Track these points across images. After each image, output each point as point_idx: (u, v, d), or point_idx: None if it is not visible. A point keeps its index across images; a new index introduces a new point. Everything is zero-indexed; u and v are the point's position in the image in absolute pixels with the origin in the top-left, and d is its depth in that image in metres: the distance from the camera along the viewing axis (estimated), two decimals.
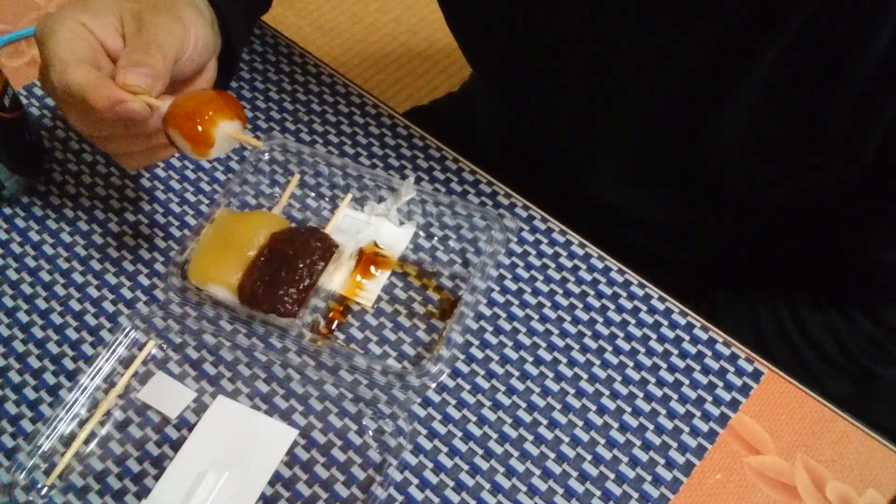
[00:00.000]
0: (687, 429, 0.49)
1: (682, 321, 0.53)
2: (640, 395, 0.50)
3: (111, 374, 0.51)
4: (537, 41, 0.58)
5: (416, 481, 0.48)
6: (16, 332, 0.54)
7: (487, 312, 0.54)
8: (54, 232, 0.58)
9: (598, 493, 0.47)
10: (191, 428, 0.49)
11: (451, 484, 0.48)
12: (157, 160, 0.53)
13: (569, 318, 0.53)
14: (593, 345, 0.52)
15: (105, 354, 0.51)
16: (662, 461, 0.48)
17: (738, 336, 0.53)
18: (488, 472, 0.48)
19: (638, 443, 0.49)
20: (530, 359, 0.52)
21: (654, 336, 0.53)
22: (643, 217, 0.66)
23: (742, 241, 0.66)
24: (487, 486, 0.47)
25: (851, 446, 0.49)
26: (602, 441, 0.49)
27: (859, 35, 0.44)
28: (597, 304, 0.54)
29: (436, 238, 0.58)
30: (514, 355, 0.52)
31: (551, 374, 0.51)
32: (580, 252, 0.56)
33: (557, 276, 0.55)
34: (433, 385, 0.51)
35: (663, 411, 0.50)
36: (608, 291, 0.55)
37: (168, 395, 0.51)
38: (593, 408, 0.50)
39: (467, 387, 0.51)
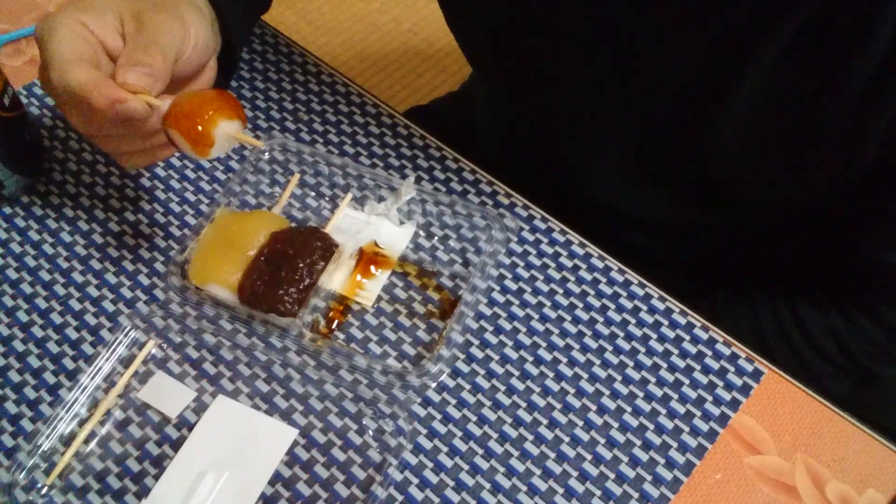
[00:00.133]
0: (687, 429, 0.49)
1: (682, 321, 0.53)
2: (641, 394, 0.50)
3: (111, 374, 0.51)
4: (537, 41, 0.58)
5: (416, 481, 0.48)
6: (16, 332, 0.54)
7: (487, 312, 0.54)
8: (54, 232, 0.58)
9: (598, 492, 0.47)
10: (191, 428, 0.49)
11: (451, 484, 0.48)
12: (156, 160, 0.53)
13: (569, 318, 0.53)
14: (593, 344, 0.52)
15: (105, 354, 0.51)
16: (662, 461, 0.48)
17: (738, 336, 0.53)
18: (488, 471, 0.48)
19: (638, 442, 0.49)
20: (530, 358, 0.52)
21: (654, 336, 0.53)
22: (643, 217, 0.66)
23: (742, 240, 0.66)
24: (487, 485, 0.47)
25: (851, 446, 0.49)
26: (602, 441, 0.49)
27: (859, 34, 0.44)
28: (597, 303, 0.54)
29: (436, 238, 0.58)
30: (514, 355, 0.52)
31: (551, 374, 0.51)
32: (580, 252, 0.56)
33: (557, 276, 0.55)
34: (433, 385, 0.51)
35: (663, 411, 0.50)
36: (608, 291, 0.55)
37: (168, 394, 0.51)
38: (593, 407, 0.50)
39: (467, 386, 0.51)
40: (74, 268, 0.56)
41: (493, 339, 0.53)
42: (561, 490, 0.47)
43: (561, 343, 0.52)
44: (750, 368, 0.51)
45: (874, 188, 0.51)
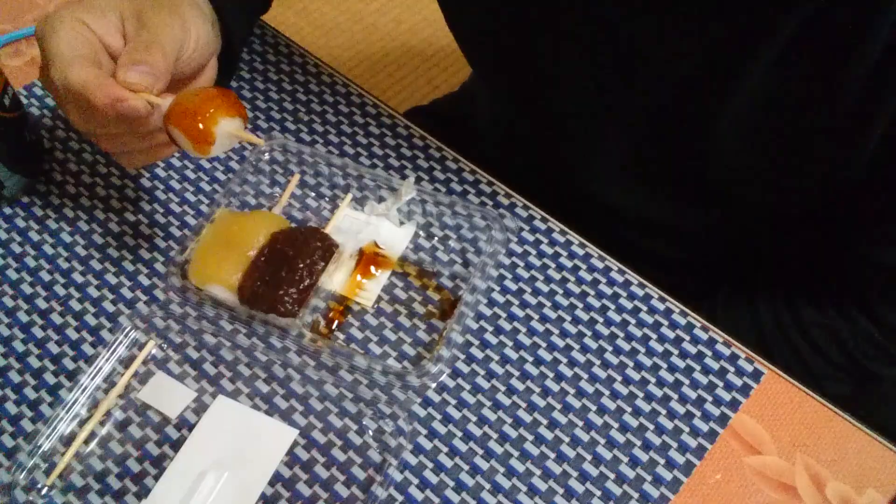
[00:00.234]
0: (687, 429, 0.49)
1: (682, 321, 0.53)
2: (641, 395, 0.50)
3: (111, 374, 0.51)
4: (537, 41, 0.58)
5: (416, 481, 0.48)
6: (16, 332, 0.54)
7: (487, 312, 0.54)
8: (54, 232, 0.58)
9: (598, 493, 0.47)
10: (191, 428, 0.49)
11: (451, 484, 0.48)
12: (157, 159, 0.53)
13: (569, 318, 0.53)
14: (593, 345, 0.52)
15: (105, 354, 0.51)
16: (662, 461, 0.48)
17: (738, 336, 0.53)
18: (488, 472, 0.48)
19: (638, 443, 0.49)
20: (530, 359, 0.52)
21: (654, 336, 0.53)
22: (643, 217, 0.66)
23: (742, 240, 0.66)
24: (487, 486, 0.47)
25: (851, 446, 0.49)
26: (602, 441, 0.49)
27: (858, 35, 0.44)
28: (597, 304, 0.54)
29: (436, 238, 0.58)
30: (514, 355, 0.52)
31: (551, 374, 0.51)
32: (580, 252, 0.56)
33: (557, 276, 0.55)
34: (433, 385, 0.51)
35: (663, 411, 0.50)
36: (608, 291, 0.55)
37: (168, 394, 0.51)
38: (593, 408, 0.50)
39: (467, 387, 0.51)
40: (74, 268, 0.56)
41: (493, 340, 0.53)
42: (561, 490, 0.47)
43: (561, 343, 0.52)
44: (750, 369, 0.51)
45: (873, 188, 0.51)
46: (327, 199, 0.60)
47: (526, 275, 0.55)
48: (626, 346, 0.52)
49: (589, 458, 0.48)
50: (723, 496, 0.47)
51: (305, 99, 0.66)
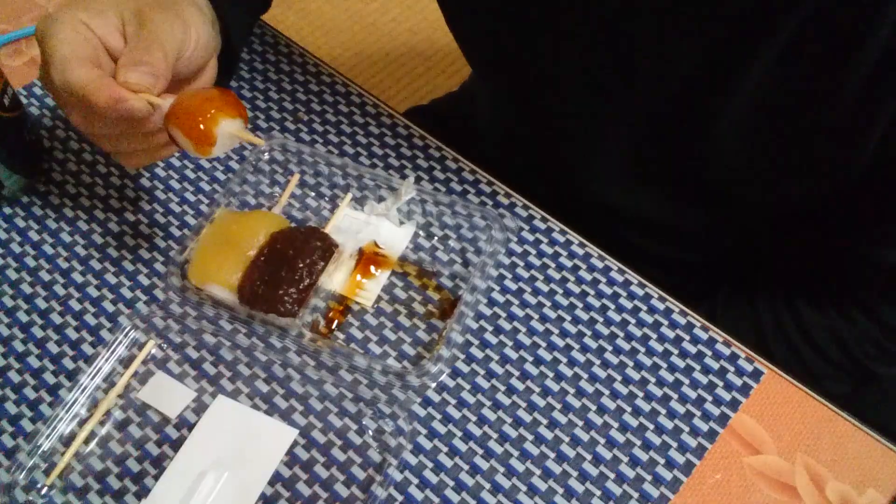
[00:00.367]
0: (687, 429, 0.49)
1: (682, 321, 0.53)
2: (640, 394, 0.50)
3: (111, 374, 0.51)
4: (537, 42, 0.58)
5: (416, 481, 0.48)
6: (16, 332, 0.54)
7: (487, 312, 0.54)
8: (54, 232, 0.58)
9: (598, 492, 0.47)
10: (191, 428, 0.49)
11: (451, 484, 0.48)
12: (157, 159, 0.53)
13: (569, 318, 0.53)
14: (593, 344, 0.52)
15: (105, 354, 0.51)
16: (662, 461, 0.48)
17: (738, 336, 0.53)
18: (488, 471, 0.48)
19: (638, 442, 0.49)
20: (530, 358, 0.52)
21: (654, 336, 0.53)
22: (643, 217, 0.66)
23: (742, 240, 0.66)
24: (487, 485, 0.47)
25: (851, 446, 0.49)
26: (602, 441, 0.49)
27: (858, 34, 0.44)
28: (597, 303, 0.54)
29: (436, 238, 0.58)
30: (514, 355, 0.52)
31: (551, 374, 0.51)
32: (580, 252, 0.56)
33: (557, 276, 0.55)
34: (433, 385, 0.51)
35: (663, 411, 0.50)
36: (608, 291, 0.55)
37: (168, 394, 0.51)
38: (593, 407, 0.50)
39: (467, 386, 0.51)
40: (74, 268, 0.56)
41: (493, 339, 0.53)
42: (561, 490, 0.47)
43: (561, 343, 0.52)
44: (750, 368, 0.51)
45: (873, 188, 0.51)
46: (327, 198, 0.60)
47: (526, 275, 0.55)
48: (626, 346, 0.52)
49: (589, 457, 0.48)
50: (723, 496, 0.47)
51: (305, 98, 0.66)
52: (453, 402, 0.50)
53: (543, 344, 0.52)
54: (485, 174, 0.61)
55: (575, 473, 0.48)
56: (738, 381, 0.51)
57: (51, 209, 0.59)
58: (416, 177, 0.61)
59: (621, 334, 0.53)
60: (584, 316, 0.54)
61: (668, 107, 0.54)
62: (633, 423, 0.49)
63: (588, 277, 0.55)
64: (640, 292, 0.55)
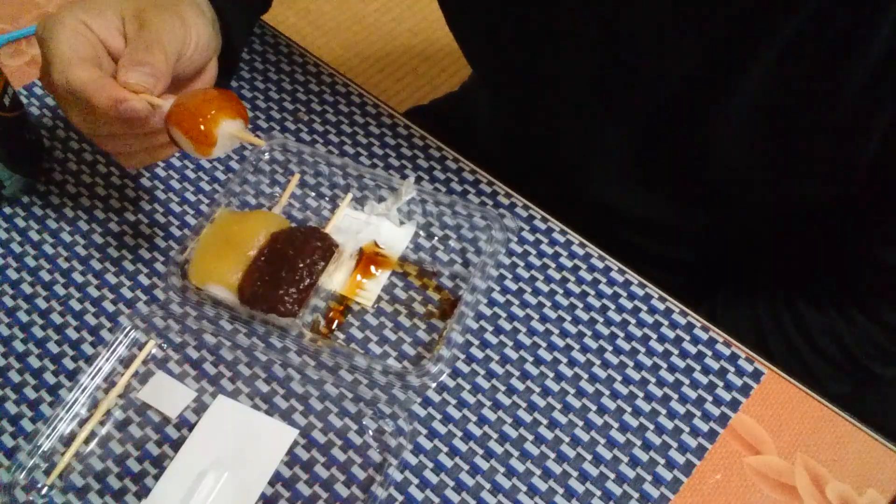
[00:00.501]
0: (687, 429, 0.49)
1: (682, 321, 0.53)
2: (641, 394, 0.50)
3: (111, 374, 0.51)
4: (537, 42, 0.58)
5: (416, 481, 0.48)
6: (16, 332, 0.54)
7: (488, 312, 0.54)
8: (54, 232, 0.58)
9: (598, 492, 0.47)
10: (191, 428, 0.49)
11: (452, 484, 0.48)
12: (157, 159, 0.53)
13: (569, 318, 0.53)
14: (593, 345, 0.52)
15: (105, 354, 0.51)
16: (662, 461, 0.48)
17: (738, 336, 0.53)
18: (488, 471, 0.48)
19: (638, 443, 0.49)
20: (530, 358, 0.52)
21: (655, 336, 0.53)
22: (643, 217, 0.66)
23: (742, 241, 0.66)
24: (487, 485, 0.47)
25: (851, 446, 0.49)
26: (602, 441, 0.49)
27: (858, 34, 0.44)
28: (597, 303, 0.54)
29: (436, 238, 0.58)
30: (514, 355, 0.52)
31: (551, 374, 0.51)
32: (580, 252, 0.56)
33: (557, 276, 0.55)
34: (433, 385, 0.51)
35: (663, 411, 0.50)
36: (608, 291, 0.55)
37: (168, 394, 0.51)
38: (593, 408, 0.50)
39: (467, 386, 0.51)
40: (74, 268, 0.56)
41: (493, 339, 0.53)
42: (561, 490, 0.47)
43: (561, 343, 0.52)
44: (750, 368, 0.51)
45: (874, 188, 0.51)
46: (327, 198, 0.60)
47: (526, 275, 0.55)
48: (626, 346, 0.52)
49: (589, 458, 0.48)
50: (723, 496, 0.47)
51: (305, 98, 0.66)
52: (453, 402, 0.50)
53: (543, 344, 0.52)
54: (485, 174, 0.61)
55: (575, 473, 0.48)
56: (738, 382, 0.51)
57: (51, 209, 0.59)
58: (417, 177, 0.61)
59: (621, 334, 0.53)
60: (585, 316, 0.54)
61: (668, 107, 0.54)
62: (634, 423, 0.49)
63: (588, 277, 0.55)
64: (641, 292, 0.55)
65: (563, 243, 0.57)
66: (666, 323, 0.53)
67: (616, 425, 0.49)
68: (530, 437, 0.49)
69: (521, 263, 0.56)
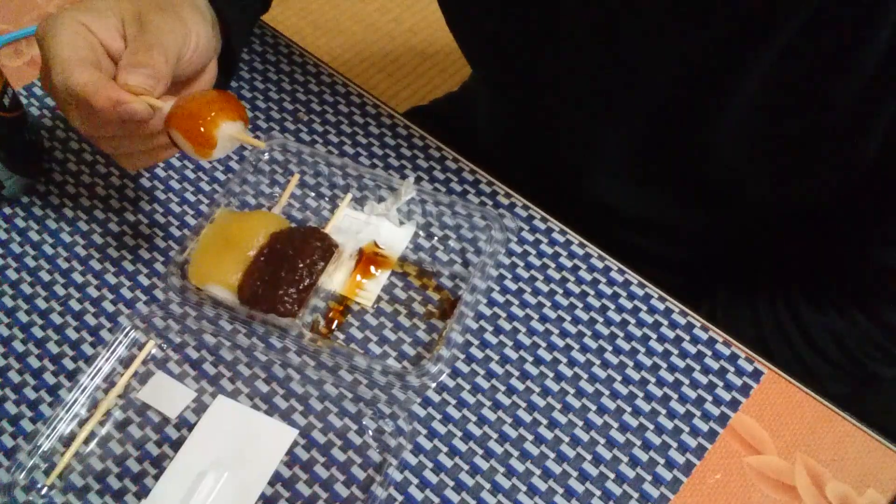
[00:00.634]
0: (687, 429, 0.49)
1: (682, 321, 0.53)
2: (640, 394, 0.50)
3: (111, 374, 0.51)
4: (537, 41, 0.58)
5: (416, 481, 0.48)
6: (16, 332, 0.54)
7: (487, 312, 0.54)
8: (54, 232, 0.58)
9: (598, 492, 0.47)
10: (191, 428, 0.49)
11: (451, 484, 0.48)
12: (157, 160, 0.53)
13: (569, 318, 0.53)
14: (593, 345, 0.52)
15: (105, 354, 0.51)
16: (662, 461, 0.48)
17: (738, 336, 0.53)
18: (488, 471, 0.48)
19: (638, 442, 0.49)
20: (530, 358, 0.52)
21: (654, 336, 0.53)
22: (643, 217, 0.66)
23: (742, 241, 0.66)
24: (487, 485, 0.47)
25: (851, 446, 0.49)
26: (602, 441, 0.49)
27: (859, 34, 0.44)
28: (597, 303, 0.54)
29: (436, 238, 0.58)
30: (514, 355, 0.52)
31: (551, 374, 0.51)
32: (580, 252, 0.56)
33: (557, 276, 0.55)
34: (433, 385, 0.51)
35: (663, 411, 0.50)
36: (608, 291, 0.55)
37: (168, 394, 0.51)
38: (593, 407, 0.50)
39: (467, 386, 0.51)
40: (74, 268, 0.56)
41: (493, 339, 0.53)
42: (561, 490, 0.47)
43: (561, 343, 0.52)
44: (750, 368, 0.51)
45: (874, 188, 0.51)
46: (327, 198, 0.60)
47: (526, 275, 0.55)
48: (626, 346, 0.52)
49: (589, 457, 0.48)
50: (723, 496, 0.47)
51: (305, 99, 0.66)
52: (453, 402, 0.50)
53: (543, 344, 0.52)
54: (485, 174, 0.61)
55: (575, 473, 0.48)
56: (738, 381, 0.51)
57: (51, 209, 0.60)
58: (416, 177, 0.61)
59: (621, 334, 0.53)
60: (584, 316, 0.54)
61: (668, 107, 0.54)
62: (633, 423, 0.49)
63: (588, 277, 0.55)
64: (640, 292, 0.55)
65: (563, 243, 0.57)
66: (666, 323, 0.53)
67: (616, 425, 0.49)
68: (530, 437, 0.49)
69: (521, 263, 0.56)
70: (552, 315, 0.54)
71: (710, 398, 0.50)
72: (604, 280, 0.55)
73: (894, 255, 0.54)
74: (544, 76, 0.60)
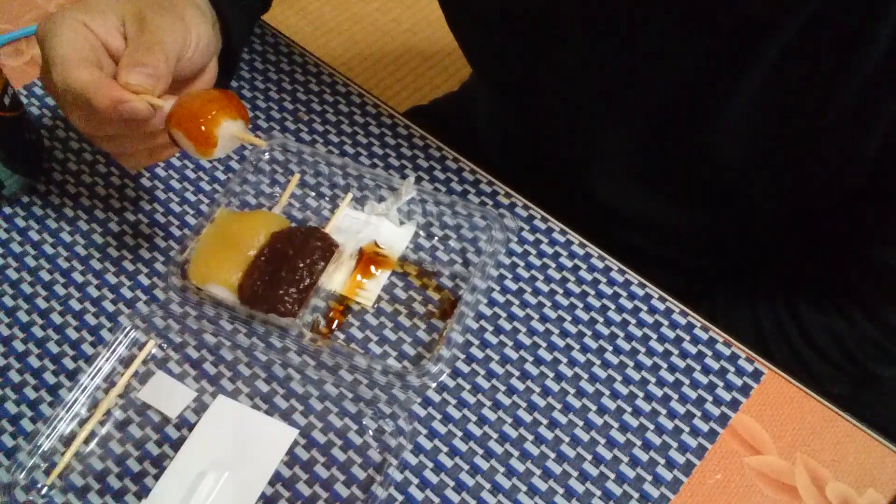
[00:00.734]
0: (687, 429, 0.49)
1: (682, 321, 0.53)
2: (641, 394, 0.50)
3: (111, 374, 0.51)
4: (537, 42, 0.58)
5: (416, 481, 0.48)
6: (16, 332, 0.54)
7: (488, 312, 0.54)
8: (54, 232, 0.58)
9: (598, 493, 0.47)
10: (191, 428, 0.49)
11: (452, 484, 0.48)
12: (158, 160, 0.53)
13: (569, 318, 0.53)
14: (593, 345, 0.52)
15: (105, 354, 0.51)
16: (662, 461, 0.48)
17: (738, 336, 0.53)
18: (488, 471, 0.48)
19: (638, 443, 0.49)
20: (530, 358, 0.52)
21: (655, 336, 0.53)
22: (644, 217, 0.66)
23: (743, 241, 0.66)
24: (487, 486, 0.47)
25: (851, 446, 0.49)
26: (602, 441, 0.49)
27: (860, 34, 0.44)
28: (597, 303, 0.54)
29: (436, 238, 0.58)
30: (514, 355, 0.52)
31: (551, 374, 0.51)
32: (580, 252, 0.56)
33: (557, 276, 0.55)
34: (433, 385, 0.51)
35: (663, 411, 0.50)
36: (608, 291, 0.55)
37: (168, 394, 0.51)
38: (593, 408, 0.50)
39: (467, 386, 0.51)
40: (74, 268, 0.56)
41: (493, 339, 0.53)
42: (561, 490, 0.47)
43: (561, 343, 0.52)
44: (750, 368, 0.51)
45: (874, 189, 0.51)
46: (327, 198, 0.60)
47: (526, 275, 0.55)
48: (626, 346, 0.52)
49: (589, 458, 0.48)
50: (723, 496, 0.47)
51: (305, 98, 0.66)
52: (453, 402, 0.50)
53: (543, 344, 0.52)
54: (485, 174, 0.61)
55: (575, 473, 0.48)
56: (738, 382, 0.51)
57: (51, 209, 0.59)
58: (417, 177, 0.61)
59: (621, 334, 0.53)
60: (585, 316, 0.54)
61: (669, 107, 0.54)
62: (634, 423, 0.49)
63: (588, 277, 0.55)
64: (641, 292, 0.55)
65: (563, 243, 0.57)
66: (666, 323, 0.53)
67: (616, 425, 0.49)
68: (530, 437, 0.49)
69: (521, 263, 0.56)
70: (552, 315, 0.54)
71: (710, 398, 0.50)
72: (604, 280, 0.55)
73: (894, 255, 0.54)
74: (545, 76, 0.60)
